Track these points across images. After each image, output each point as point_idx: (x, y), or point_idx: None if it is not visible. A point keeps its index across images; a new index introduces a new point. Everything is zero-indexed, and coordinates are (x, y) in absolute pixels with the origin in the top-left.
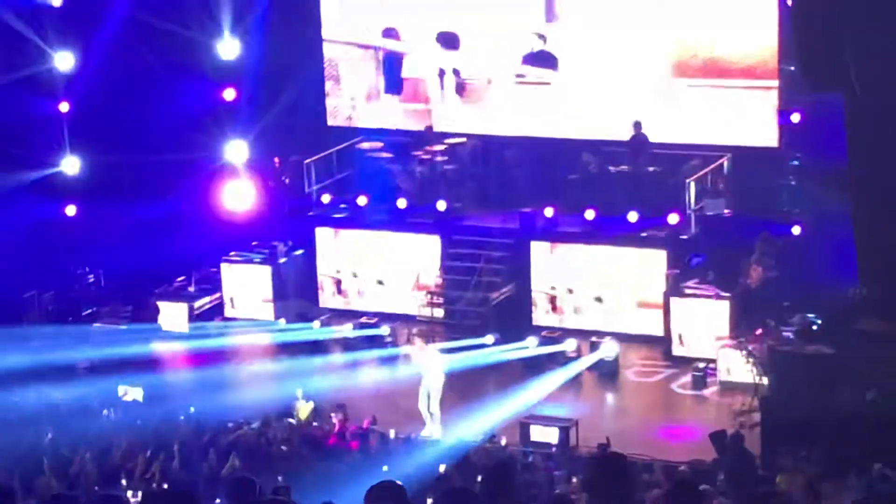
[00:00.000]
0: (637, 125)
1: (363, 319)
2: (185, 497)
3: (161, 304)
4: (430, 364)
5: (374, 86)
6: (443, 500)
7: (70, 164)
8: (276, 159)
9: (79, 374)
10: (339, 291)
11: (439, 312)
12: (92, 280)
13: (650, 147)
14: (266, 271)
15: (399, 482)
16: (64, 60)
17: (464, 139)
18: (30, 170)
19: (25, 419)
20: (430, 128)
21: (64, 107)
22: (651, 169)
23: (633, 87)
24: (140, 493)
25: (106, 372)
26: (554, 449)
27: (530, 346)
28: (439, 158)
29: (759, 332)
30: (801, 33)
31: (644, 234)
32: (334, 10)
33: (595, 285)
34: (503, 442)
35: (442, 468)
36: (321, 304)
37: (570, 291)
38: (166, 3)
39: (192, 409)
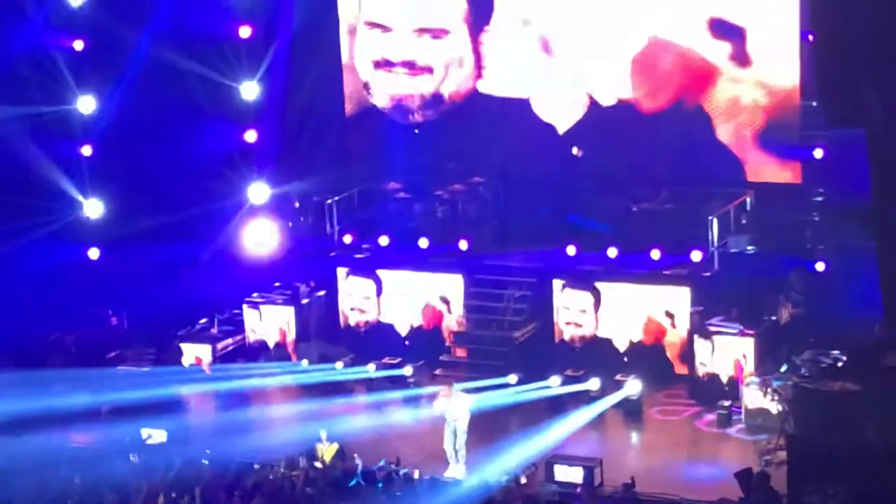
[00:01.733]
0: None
1: (386, 360)
2: None
3: (184, 346)
4: (456, 406)
5: None
6: None
7: (92, 208)
8: (296, 201)
9: (102, 417)
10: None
11: (462, 352)
12: (115, 323)
13: (672, 183)
14: (289, 312)
15: None
16: (86, 104)
17: (484, 178)
18: (53, 213)
19: (49, 464)
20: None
21: (86, 150)
22: (672, 206)
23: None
24: None
25: (129, 415)
26: (579, 489)
27: (553, 386)
28: (460, 198)
29: (783, 368)
30: (822, 68)
31: (667, 272)
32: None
33: (619, 322)
34: (523, 481)
35: None
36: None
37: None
38: (186, 45)
39: (209, 452)
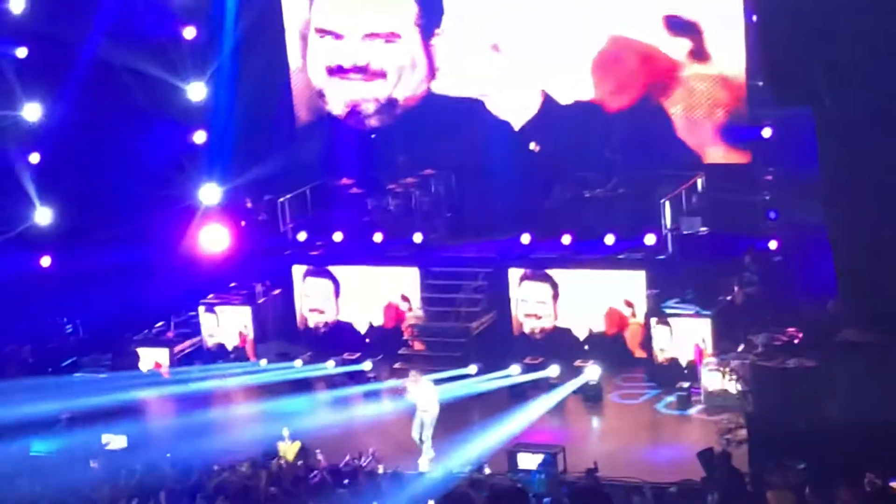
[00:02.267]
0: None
1: (345, 356)
2: None
3: (142, 351)
4: (425, 395)
5: None
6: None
7: (42, 215)
8: (248, 200)
9: (61, 425)
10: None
11: (420, 345)
12: (70, 330)
13: (623, 169)
14: (246, 312)
15: None
16: (31, 111)
17: (434, 171)
18: (2, 223)
19: (8, 474)
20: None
21: (34, 157)
22: (623, 191)
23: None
24: None
25: (89, 422)
26: (541, 475)
27: (513, 374)
28: (413, 191)
29: (740, 348)
30: (767, 48)
31: (621, 256)
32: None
33: (575, 308)
34: (487, 471)
35: (431, 503)
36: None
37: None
38: (132, 48)
39: (169, 455)
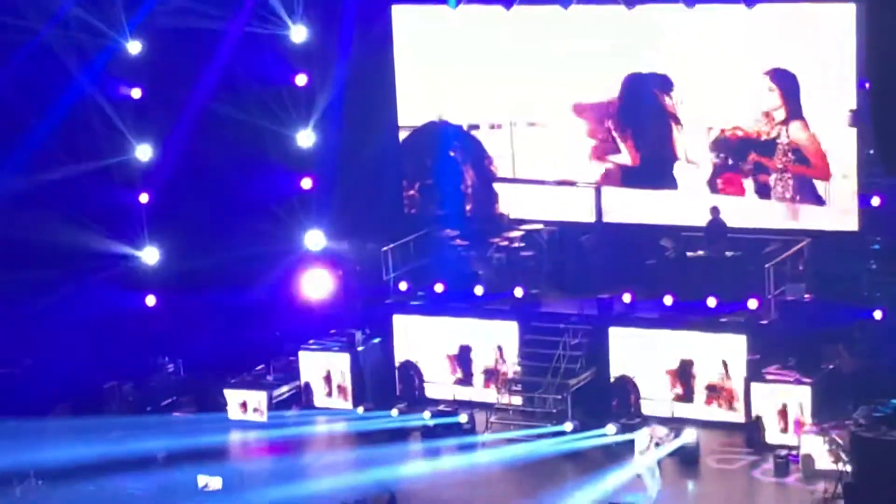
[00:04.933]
0: (714, 210)
1: (441, 407)
2: None
3: (229, 393)
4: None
5: None
6: None
7: (149, 255)
8: (351, 249)
9: (157, 464)
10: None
11: (517, 400)
12: (171, 370)
13: (728, 231)
14: (344, 359)
15: None
16: (143, 152)
17: (541, 225)
18: (111, 259)
19: None
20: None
21: (143, 197)
22: (729, 254)
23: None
24: None
25: (184, 462)
26: None
27: (609, 434)
28: (516, 245)
29: (842, 418)
30: (878, 116)
31: (723, 320)
32: (409, 95)
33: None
34: None
35: None
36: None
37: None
38: (242, 94)
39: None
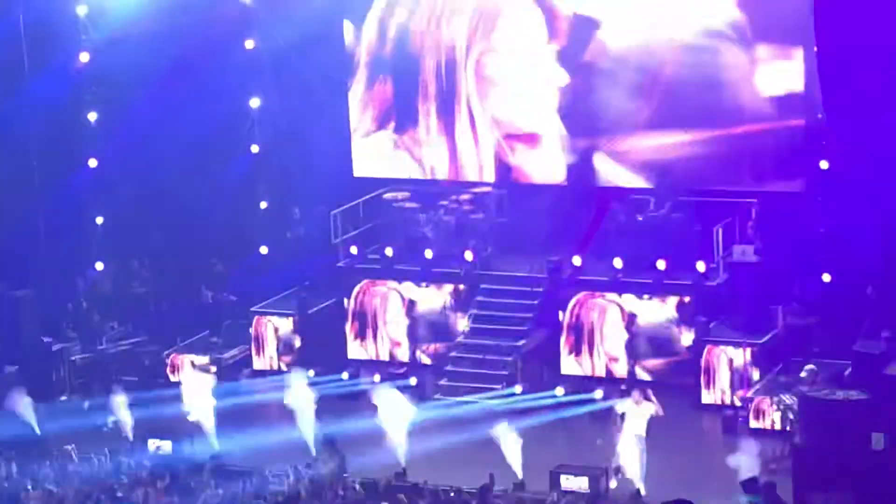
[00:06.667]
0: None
1: (391, 370)
2: None
3: (186, 357)
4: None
5: None
6: None
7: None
8: (296, 210)
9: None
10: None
11: (467, 363)
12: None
13: (678, 194)
14: (294, 323)
15: None
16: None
17: (489, 188)
18: None
19: None
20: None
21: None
22: (677, 216)
23: None
24: None
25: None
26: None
27: (558, 395)
28: (466, 207)
29: (789, 378)
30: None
31: (671, 282)
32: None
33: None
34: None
35: None
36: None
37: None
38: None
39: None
